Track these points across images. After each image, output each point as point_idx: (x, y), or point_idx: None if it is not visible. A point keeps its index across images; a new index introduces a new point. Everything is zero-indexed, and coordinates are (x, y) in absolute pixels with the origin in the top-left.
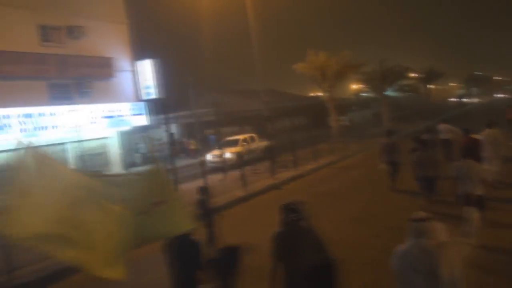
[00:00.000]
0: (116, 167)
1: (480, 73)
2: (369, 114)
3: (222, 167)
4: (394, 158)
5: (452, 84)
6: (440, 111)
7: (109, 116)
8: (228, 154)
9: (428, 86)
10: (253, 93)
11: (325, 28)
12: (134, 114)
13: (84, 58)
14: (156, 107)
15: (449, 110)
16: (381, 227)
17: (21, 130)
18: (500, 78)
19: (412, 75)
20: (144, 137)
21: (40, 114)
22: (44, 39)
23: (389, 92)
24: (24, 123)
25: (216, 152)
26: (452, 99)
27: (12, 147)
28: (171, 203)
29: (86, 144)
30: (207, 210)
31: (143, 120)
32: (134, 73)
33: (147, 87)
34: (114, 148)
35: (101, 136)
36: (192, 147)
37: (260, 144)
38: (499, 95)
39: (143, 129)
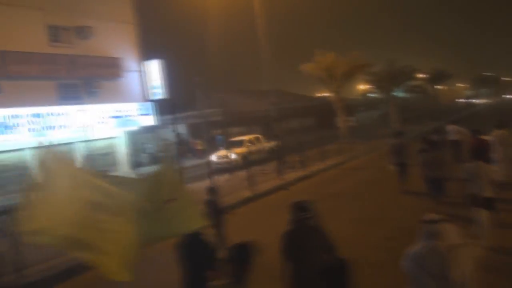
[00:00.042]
0: (124, 167)
1: (489, 74)
2: (377, 115)
3: (228, 167)
4: (402, 159)
5: (460, 85)
6: (448, 112)
7: (116, 116)
8: (233, 155)
9: (436, 87)
10: (261, 94)
11: (333, 29)
12: (142, 114)
13: (92, 58)
14: (163, 107)
15: (457, 111)
16: (391, 228)
17: (29, 130)
18: (508, 79)
19: (420, 76)
20: (154, 136)
21: (48, 114)
22: (53, 39)
23: (397, 93)
24: (33, 122)
25: (222, 152)
26: (461, 100)
27: (21, 146)
28: (182, 201)
29: (93, 144)
30: (216, 210)
31: (150, 120)
32: (141, 73)
33: (154, 87)
34: (122, 148)
35: (109, 136)
36: (199, 147)
37: (266, 144)
38: (507, 96)
39: (150, 129)
